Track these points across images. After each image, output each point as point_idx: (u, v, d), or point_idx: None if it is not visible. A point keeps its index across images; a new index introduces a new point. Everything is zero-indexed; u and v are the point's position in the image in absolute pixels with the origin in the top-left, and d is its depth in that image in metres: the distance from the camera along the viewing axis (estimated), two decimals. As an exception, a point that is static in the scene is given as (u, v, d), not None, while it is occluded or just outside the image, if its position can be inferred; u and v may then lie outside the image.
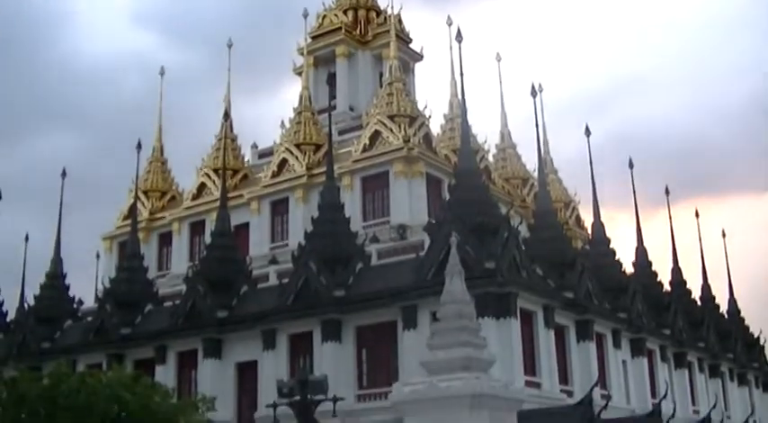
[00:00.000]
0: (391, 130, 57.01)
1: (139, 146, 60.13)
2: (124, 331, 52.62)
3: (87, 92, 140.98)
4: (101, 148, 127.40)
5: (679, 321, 59.90)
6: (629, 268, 58.73)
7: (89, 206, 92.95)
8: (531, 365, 42.45)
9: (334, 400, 30.43)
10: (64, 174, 62.65)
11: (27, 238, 62.29)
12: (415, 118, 58.54)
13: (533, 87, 54.84)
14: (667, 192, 68.92)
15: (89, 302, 61.57)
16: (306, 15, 69.29)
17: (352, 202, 54.54)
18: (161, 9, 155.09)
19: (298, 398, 30.09)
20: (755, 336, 76.23)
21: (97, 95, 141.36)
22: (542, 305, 44.30)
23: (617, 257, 56.42)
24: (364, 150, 57.63)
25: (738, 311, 76.20)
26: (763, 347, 76.29)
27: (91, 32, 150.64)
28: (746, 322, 76.64)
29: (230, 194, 58.86)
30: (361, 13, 73.08)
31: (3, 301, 61.43)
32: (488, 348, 20.54)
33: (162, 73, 73.57)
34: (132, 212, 60.70)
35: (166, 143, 72.66)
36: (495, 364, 20.54)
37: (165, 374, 48.91)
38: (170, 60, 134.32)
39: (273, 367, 45.24)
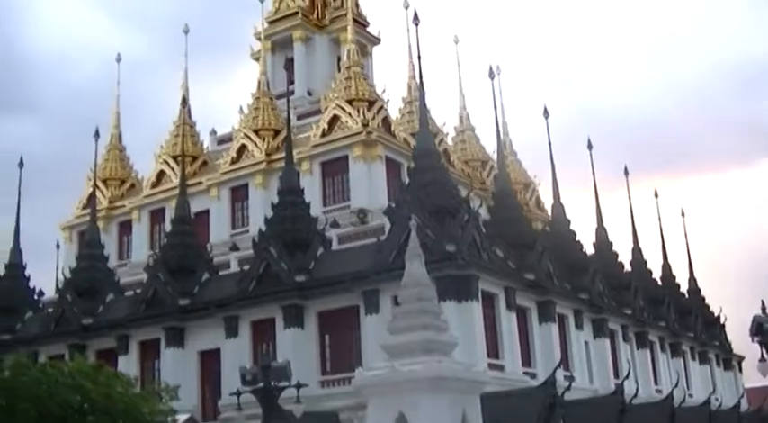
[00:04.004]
0: (350, 115, 56.87)
1: (97, 134, 59.86)
2: (85, 321, 52.35)
3: (44, 79, 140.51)
4: (58, 136, 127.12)
5: (640, 301, 60.28)
6: (589, 249, 59.00)
7: (47, 194, 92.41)
8: (493, 348, 42.58)
9: (298, 386, 30.34)
10: (21, 164, 62.22)
11: (-15, 231, 61.78)
12: (373, 102, 58.40)
13: (491, 69, 55.05)
14: (626, 172, 69.32)
15: (50, 293, 61.18)
16: (262, 0, 69.03)
17: (311, 186, 54.32)
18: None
19: (261, 385, 29.98)
20: (715, 314, 76.81)
21: (54, 82, 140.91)
22: (503, 287, 44.42)
23: (577, 238, 56.68)
24: (323, 135, 57.46)
25: (698, 290, 76.78)
26: (722, 325, 76.89)
27: (47, 19, 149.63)
28: (706, 301, 77.26)
29: (190, 181, 58.59)
30: (319, -4, 72.84)
31: (-38, 293, 60.90)
32: (450, 331, 20.49)
33: (119, 59, 72.89)
34: (91, 201, 60.40)
35: (124, 130, 72.17)
36: (457, 346, 20.49)
37: (128, 364, 48.69)
38: (127, 46, 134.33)
39: (236, 354, 45.09)
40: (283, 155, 52.36)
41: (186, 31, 69.23)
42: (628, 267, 63.96)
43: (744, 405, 64.43)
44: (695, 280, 77.26)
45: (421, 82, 48.06)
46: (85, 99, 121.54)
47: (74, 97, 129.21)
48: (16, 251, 60.19)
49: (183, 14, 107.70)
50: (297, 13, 70.05)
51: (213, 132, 69.67)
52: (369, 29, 72.33)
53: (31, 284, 60.35)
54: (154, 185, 65.09)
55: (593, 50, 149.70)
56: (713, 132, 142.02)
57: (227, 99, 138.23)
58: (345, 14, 66.53)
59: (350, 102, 57.62)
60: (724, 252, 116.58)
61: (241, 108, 64.45)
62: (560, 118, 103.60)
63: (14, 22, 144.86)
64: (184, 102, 66.44)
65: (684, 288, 75.09)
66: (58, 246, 69.20)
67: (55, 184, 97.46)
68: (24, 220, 61.33)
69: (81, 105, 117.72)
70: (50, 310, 55.60)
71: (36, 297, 60.06)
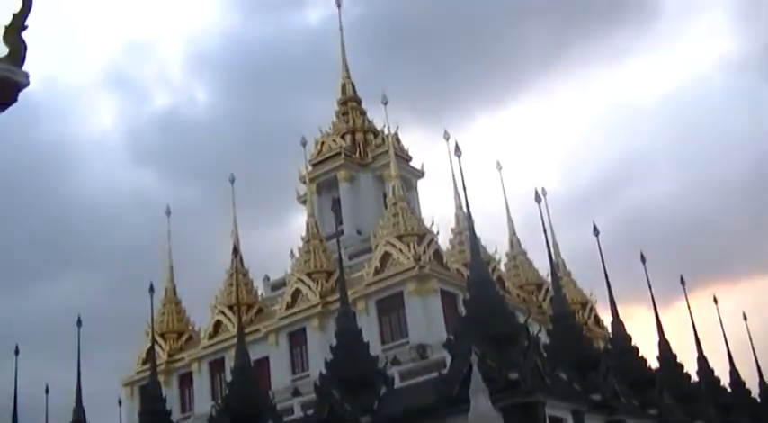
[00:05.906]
0: (401, 251, 57.13)
1: (152, 289, 60.10)
2: (153, 478, 52.24)
3: (94, 235, 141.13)
4: (113, 290, 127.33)
5: (710, 411, 59.28)
6: (653, 362, 58.31)
7: (106, 348, 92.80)
8: (566, 473, 42.01)
9: None
10: (79, 323, 62.52)
11: (47, 390, 61.95)
12: (423, 235, 58.67)
13: (537, 193, 54.90)
14: (683, 282, 68.60)
15: (116, 452, 61.23)
16: (304, 144, 69.91)
17: (369, 325, 54.37)
18: (157, 147, 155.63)
19: None
20: (790, 416, 75.37)
21: (104, 237, 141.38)
22: (571, 410, 43.84)
23: (640, 353, 56.06)
24: (376, 273, 57.70)
25: (770, 394, 75.49)
26: (799, 428, 75.38)
27: (91, 176, 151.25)
28: (779, 403, 75.88)
29: (247, 329, 58.69)
30: (359, 135, 73.67)
31: (28, 459, 61.08)
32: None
33: (168, 213, 73.94)
34: (151, 356, 60.47)
35: (178, 280, 72.86)
36: (530, 479, 20.25)
37: None
38: (172, 197, 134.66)
39: None
40: (338, 296, 52.41)
41: (232, 181, 70.24)
42: (695, 378, 63.13)
43: None
44: (765, 384, 76.05)
45: (468, 212, 48.17)
46: (137, 252, 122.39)
47: (126, 251, 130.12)
48: (79, 410, 60.23)
49: (226, 162, 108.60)
50: (339, 153, 71.00)
51: (266, 278, 70.18)
52: (411, 163, 73.09)
53: (96, 444, 60.46)
54: (211, 336, 65.43)
55: (633, 156, 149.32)
56: (762, 230, 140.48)
57: (277, 242, 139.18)
58: (387, 151, 67.28)
59: (400, 237, 57.97)
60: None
61: (292, 252, 65.08)
62: (609, 231, 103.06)
63: (60, 181, 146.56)
64: (235, 251, 67.09)
65: (756, 393, 73.89)
66: (120, 402, 69.28)
67: (113, 339, 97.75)
68: (85, 376, 61.45)
69: (134, 258, 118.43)
70: (117, 468, 55.55)
71: (102, 457, 60.09)
